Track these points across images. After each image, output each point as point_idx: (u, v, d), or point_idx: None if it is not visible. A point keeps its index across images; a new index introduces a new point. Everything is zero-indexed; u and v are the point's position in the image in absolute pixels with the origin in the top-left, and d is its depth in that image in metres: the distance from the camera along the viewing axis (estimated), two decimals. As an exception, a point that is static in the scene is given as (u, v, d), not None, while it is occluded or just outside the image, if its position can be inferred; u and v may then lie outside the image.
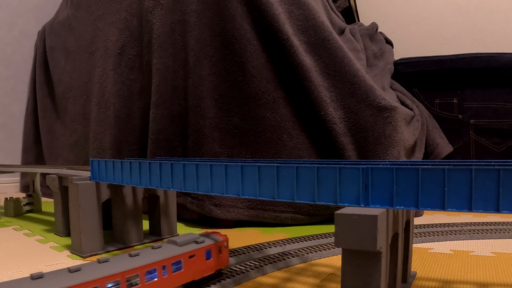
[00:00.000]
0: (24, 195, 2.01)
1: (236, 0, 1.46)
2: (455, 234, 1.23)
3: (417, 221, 1.48)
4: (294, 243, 1.12)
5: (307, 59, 1.45)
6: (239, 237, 1.28)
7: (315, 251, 1.05)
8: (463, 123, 2.19)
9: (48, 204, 2.11)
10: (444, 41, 2.61)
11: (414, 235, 1.20)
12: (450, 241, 1.20)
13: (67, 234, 1.34)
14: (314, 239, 1.16)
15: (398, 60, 2.38)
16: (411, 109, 1.95)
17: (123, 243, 1.18)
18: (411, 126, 1.81)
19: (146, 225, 1.30)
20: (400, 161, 0.81)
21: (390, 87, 2.07)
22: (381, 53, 2.21)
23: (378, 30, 2.45)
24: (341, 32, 2.07)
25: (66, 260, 1.05)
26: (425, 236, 1.21)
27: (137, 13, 1.77)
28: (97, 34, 2.06)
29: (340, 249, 0.55)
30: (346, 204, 0.60)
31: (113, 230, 1.20)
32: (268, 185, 0.68)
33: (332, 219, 1.50)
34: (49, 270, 0.92)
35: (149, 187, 0.92)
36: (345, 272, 0.55)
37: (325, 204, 0.62)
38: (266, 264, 0.94)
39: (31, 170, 1.69)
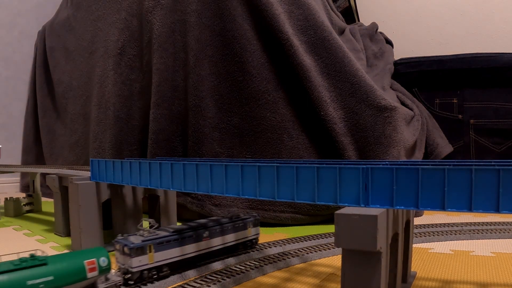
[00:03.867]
0: (24, 195, 2.01)
1: (236, 0, 1.46)
2: (455, 234, 1.23)
3: (417, 221, 1.48)
4: (294, 243, 1.12)
5: (307, 59, 1.45)
6: (239, 237, 1.28)
7: (315, 251, 1.05)
8: (463, 123, 2.19)
9: (48, 204, 2.11)
10: (444, 41, 2.61)
11: (414, 235, 1.20)
12: (450, 241, 1.20)
13: (67, 234, 1.33)
14: (314, 239, 1.16)
15: (398, 60, 2.38)
16: (411, 109, 1.95)
17: (123, 243, 1.18)
18: (411, 126, 1.81)
19: (146, 225, 1.29)
20: (400, 161, 0.81)
21: (390, 87, 2.07)
22: (381, 53, 2.21)
23: (378, 30, 2.45)
24: (341, 32, 2.07)
25: (66, 260, 1.05)
26: (425, 236, 1.21)
27: (137, 13, 1.77)
28: (97, 34, 2.06)
29: (340, 249, 0.55)
30: (346, 204, 0.60)
31: (113, 230, 1.20)
32: (268, 185, 0.68)
33: (332, 219, 1.50)
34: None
35: (149, 187, 0.92)
36: (345, 272, 0.55)
37: (325, 204, 0.62)
38: (266, 264, 0.94)
39: (31, 170, 1.69)
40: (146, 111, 1.71)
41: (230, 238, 0.99)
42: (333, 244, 1.10)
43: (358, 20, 2.77)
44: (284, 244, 1.11)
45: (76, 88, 2.27)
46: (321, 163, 0.78)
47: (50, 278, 0.65)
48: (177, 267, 0.88)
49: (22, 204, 1.86)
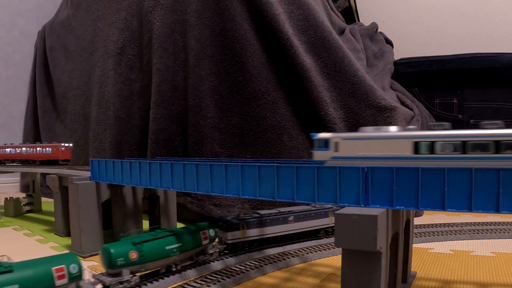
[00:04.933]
0: (24, 195, 2.01)
1: (236, 0, 1.46)
2: (455, 234, 1.23)
3: (417, 221, 1.48)
4: (294, 243, 1.12)
5: (307, 59, 1.45)
6: (239, 237, 1.28)
7: (315, 251, 1.05)
8: (463, 123, 2.19)
9: (48, 204, 2.11)
10: (444, 41, 2.61)
11: (414, 235, 1.20)
12: (450, 241, 1.19)
13: (67, 234, 1.33)
14: (314, 239, 1.16)
15: (398, 60, 2.38)
16: (411, 109, 1.94)
17: (123, 243, 1.18)
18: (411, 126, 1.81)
19: (146, 225, 1.30)
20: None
21: (390, 87, 2.07)
22: (381, 53, 2.21)
23: (378, 30, 2.45)
24: (341, 32, 2.07)
25: (66, 260, 1.05)
26: (425, 236, 1.21)
27: (137, 13, 1.77)
28: (97, 34, 2.06)
29: (340, 249, 0.55)
30: (346, 204, 0.60)
31: (113, 230, 1.20)
32: (268, 185, 0.68)
33: (332, 219, 1.50)
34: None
35: (149, 187, 0.92)
36: (345, 272, 0.55)
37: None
38: (266, 264, 0.94)
39: (31, 170, 1.69)
40: (146, 111, 1.71)
41: (312, 224, 1.14)
42: (333, 244, 1.10)
43: (358, 20, 2.77)
44: (284, 244, 1.11)
45: (76, 88, 2.26)
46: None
47: (180, 244, 0.86)
48: (266, 243, 1.07)
49: (22, 204, 1.85)
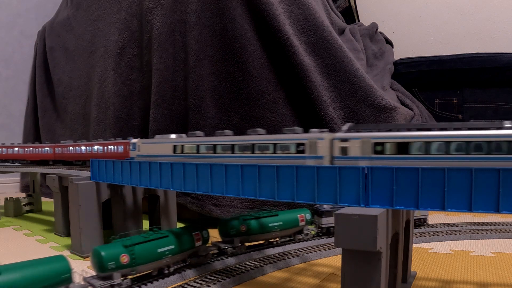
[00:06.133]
0: (24, 195, 2.01)
1: (236, 0, 1.46)
2: (455, 234, 1.23)
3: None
4: (294, 243, 1.12)
5: (307, 59, 1.45)
6: (239, 237, 1.28)
7: (315, 251, 1.05)
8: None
9: (48, 204, 2.11)
10: (444, 41, 2.61)
11: (414, 235, 1.20)
12: (450, 241, 1.19)
13: (67, 234, 1.33)
14: (314, 239, 1.16)
15: (398, 60, 2.38)
16: (411, 109, 1.94)
17: (123, 243, 1.18)
18: (411, 126, 1.81)
19: (146, 225, 1.29)
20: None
21: (390, 87, 2.07)
22: (381, 53, 2.21)
23: (378, 30, 2.45)
24: (341, 32, 2.07)
25: (66, 260, 1.05)
26: (425, 236, 1.21)
27: (137, 13, 1.77)
28: (97, 34, 2.06)
29: (340, 249, 0.56)
30: (346, 204, 0.60)
31: (113, 230, 1.20)
32: (268, 185, 0.68)
33: (332, 219, 1.50)
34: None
35: (149, 187, 0.92)
36: (345, 272, 0.55)
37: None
38: (266, 264, 0.94)
39: (31, 170, 1.69)
40: (146, 111, 1.71)
41: None
42: (333, 244, 1.10)
43: (358, 20, 2.77)
44: (284, 244, 1.11)
45: (76, 88, 2.26)
46: (321, 163, 0.78)
47: (280, 223, 1.06)
48: None
49: (22, 204, 1.85)
